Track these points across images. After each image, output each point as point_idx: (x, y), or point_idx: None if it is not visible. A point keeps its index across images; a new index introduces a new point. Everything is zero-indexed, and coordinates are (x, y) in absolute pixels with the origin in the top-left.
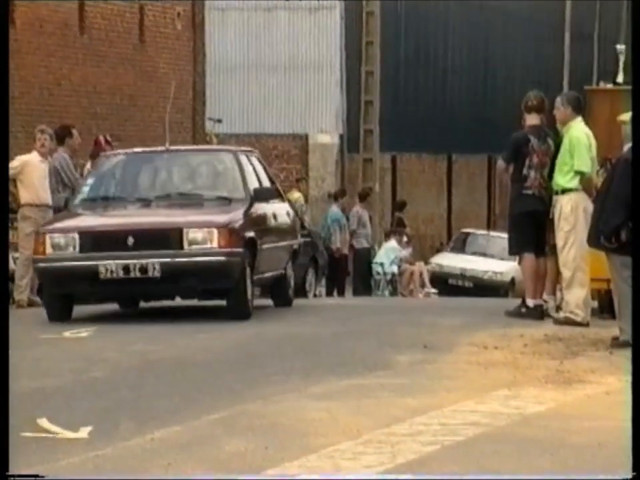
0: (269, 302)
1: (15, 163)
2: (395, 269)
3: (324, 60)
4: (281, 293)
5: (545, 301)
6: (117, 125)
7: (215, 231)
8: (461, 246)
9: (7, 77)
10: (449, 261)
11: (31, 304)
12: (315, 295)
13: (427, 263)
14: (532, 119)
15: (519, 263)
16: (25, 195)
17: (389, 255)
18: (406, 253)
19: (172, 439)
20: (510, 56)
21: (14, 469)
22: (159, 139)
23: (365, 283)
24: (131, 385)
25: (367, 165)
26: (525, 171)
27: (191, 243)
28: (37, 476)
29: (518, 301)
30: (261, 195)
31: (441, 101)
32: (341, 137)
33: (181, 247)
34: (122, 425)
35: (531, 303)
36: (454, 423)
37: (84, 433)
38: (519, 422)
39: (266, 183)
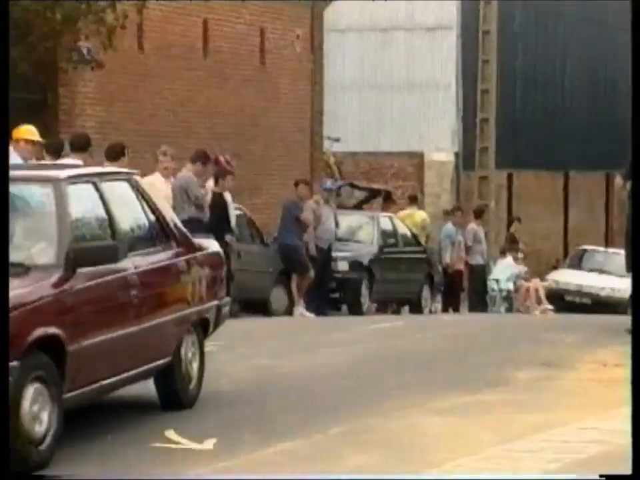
0: (388, 317)
1: None
2: (510, 285)
3: (440, 78)
4: (168, 390)
5: None
6: (239, 145)
7: None
8: (577, 262)
9: (7, 76)
10: (566, 277)
11: None
12: (430, 311)
13: (543, 279)
14: None
15: None
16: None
17: (504, 271)
18: (521, 269)
19: (294, 452)
20: (628, 72)
21: (143, 477)
22: (279, 159)
23: (480, 299)
24: (255, 399)
25: (482, 182)
26: None
27: None
28: (37, 476)
29: None
30: (89, 257)
31: (558, 117)
32: (457, 154)
33: None
34: (246, 437)
35: None
36: (575, 440)
37: (209, 444)
38: None
39: (131, 225)
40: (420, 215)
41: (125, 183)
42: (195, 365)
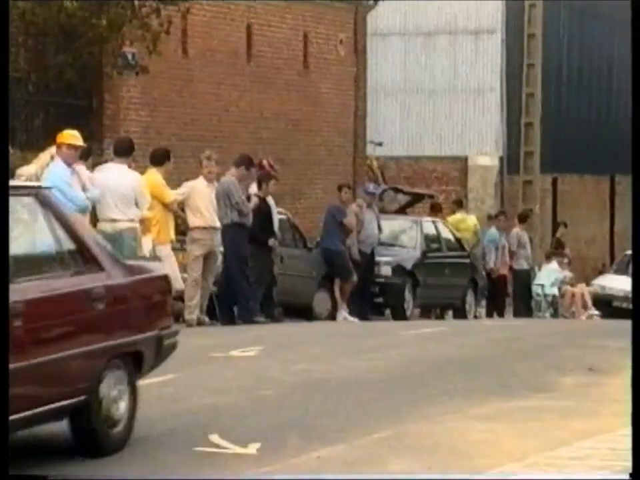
0: (431, 322)
1: (182, 189)
2: (555, 290)
3: (484, 82)
4: (82, 432)
5: None
6: (282, 149)
7: None
8: (624, 268)
9: (7, 76)
10: (613, 282)
11: (199, 323)
12: (475, 316)
13: (588, 284)
14: None
15: None
16: (193, 219)
17: (549, 276)
18: (566, 274)
19: (338, 457)
20: None
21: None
22: (321, 163)
23: (525, 304)
24: (297, 404)
25: (527, 186)
26: None
27: None
28: (38, 476)
29: None
30: None
31: (604, 121)
32: (501, 158)
33: None
34: (289, 442)
35: None
36: (623, 448)
37: (253, 449)
38: None
39: None
40: (472, 220)
41: (31, 198)
42: (123, 405)
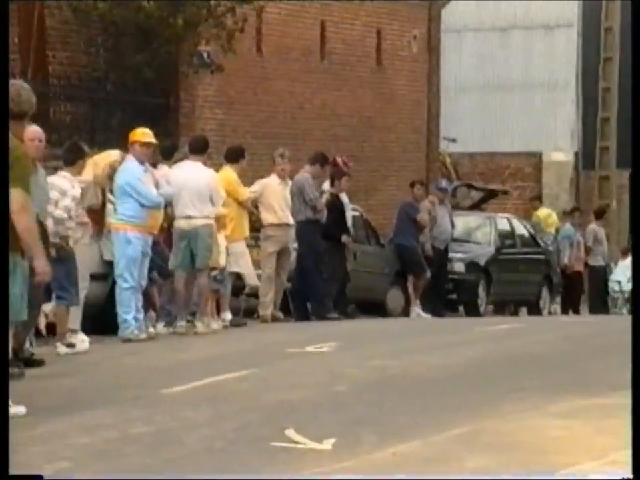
0: (506, 318)
1: (255, 187)
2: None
3: (559, 78)
4: None
5: None
6: (355, 146)
7: None
8: None
9: (7, 75)
10: None
11: (274, 319)
12: (549, 313)
13: None
14: None
15: None
16: (266, 216)
17: (626, 272)
18: None
19: (413, 454)
20: None
21: (262, 476)
22: (394, 160)
23: (601, 301)
24: (372, 400)
25: (603, 182)
26: None
27: None
28: (38, 476)
29: None
30: None
31: None
32: (576, 154)
33: None
34: (364, 438)
35: None
36: None
37: (328, 444)
38: None
39: None
40: (556, 215)
41: None
42: None
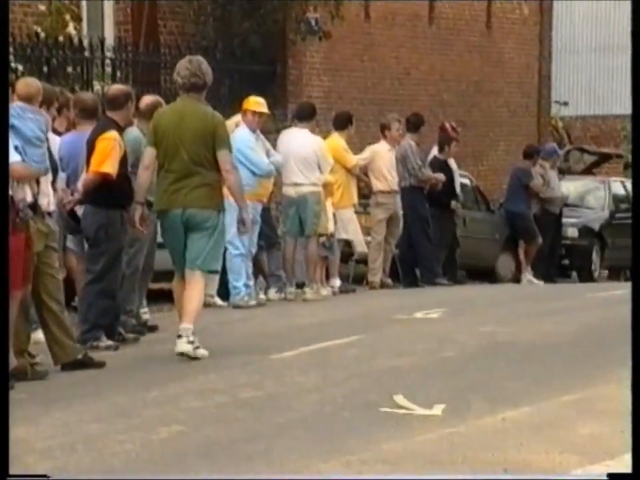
0: (620, 284)
1: (365, 154)
2: None
3: None
4: None
5: None
6: (463, 112)
7: None
8: None
9: (7, 76)
10: None
11: (383, 285)
12: None
13: None
14: None
15: None
16: (376, 182)
17: None
18: None
19: (523, 420)
20: None
21: (374, 446)
22: (503, 124)
23: None
24: (481, 366)
25: None
26: None
27: None
28: (39, 476)
29: None
30: None
31: None
32: None
33: None
34: (474, 404)
35: None
36: None
37: (438, 410)
38: None
39: None
40: None
41: None
42: None
